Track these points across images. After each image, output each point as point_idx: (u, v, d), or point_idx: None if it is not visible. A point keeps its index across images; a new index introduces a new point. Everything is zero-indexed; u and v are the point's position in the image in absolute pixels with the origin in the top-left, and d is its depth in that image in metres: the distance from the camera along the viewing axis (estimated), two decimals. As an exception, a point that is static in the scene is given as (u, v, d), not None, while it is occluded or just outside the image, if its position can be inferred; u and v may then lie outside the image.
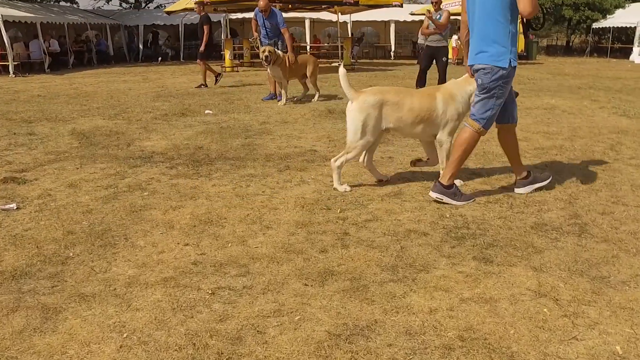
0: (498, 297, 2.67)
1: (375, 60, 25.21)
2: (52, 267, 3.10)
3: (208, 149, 5.98)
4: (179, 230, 3.62)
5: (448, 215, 3.83)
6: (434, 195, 4.08)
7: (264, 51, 9.25)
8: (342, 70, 4.40)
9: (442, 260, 3.10)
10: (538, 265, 3.03)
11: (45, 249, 3.35)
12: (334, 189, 4.44)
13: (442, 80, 10.37)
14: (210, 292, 2.76)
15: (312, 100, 9.94)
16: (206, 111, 8.65)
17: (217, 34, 29.00)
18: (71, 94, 12.04)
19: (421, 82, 10.55)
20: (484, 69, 3.95)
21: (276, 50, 9.38)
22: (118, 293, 2.77)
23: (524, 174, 4.34)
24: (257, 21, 10.00)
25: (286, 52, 9.65)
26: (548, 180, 4.39)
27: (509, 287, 2.77)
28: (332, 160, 4.48)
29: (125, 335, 2.39)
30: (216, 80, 13.00)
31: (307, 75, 9.89)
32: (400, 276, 2.90)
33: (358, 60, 21.28)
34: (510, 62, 3.89)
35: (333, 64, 20.86)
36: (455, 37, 21.51)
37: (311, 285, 2.81)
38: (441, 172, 4.29)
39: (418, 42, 22.50)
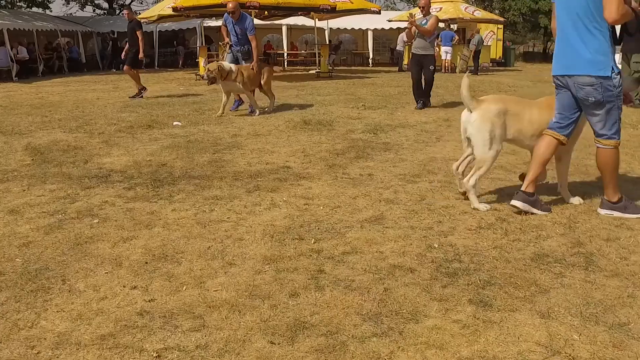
0: (503, 356, 2.22)
1: (353, 68, 24.85)
2: None
3: (172, 167, 5.48)
4: (127, 268, 3.12)
5: (436, 246, 3.38)
6: (602, 212, 3.90)
7: (207, 69, 8.69)
8: (465, 80, 3.97)
9: (434, 304, 2.64)
10: (545, 309, 2.59)
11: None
12: (473, 208, 4.03)
13: (427, 90, 9.78)
14: (155, 354, 2.26)
15: (267, 109, 9.32)
16: (174, 123, 8.14)
17: (192, 40, 28.46)
18: (35, 104, 11.42)
19: (418, 93, 9.75)
20: (591, 85, 3.70)
21: (224, 65, 8.73)
22: (42, 357, 2.26)
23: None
24: (226, 27, 9.47)
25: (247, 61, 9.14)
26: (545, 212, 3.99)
27: (514, 342, 2.32)
28: (465, 180, 4.12)
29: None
30: (138, 94, 12.25)
31: (261, 83, 9.30)
32: (385, 328, 2.43)
33: (335, 68, 20.87)
34: (612, 69, 3.66)
35: (310, 72, 20.45)
36: (445, 48, 21.05)
37: (278, 344, 2.33)
38: (559, 188, 4.26)
39: (396, 48, 22.37)
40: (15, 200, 4.47)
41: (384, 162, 5.60)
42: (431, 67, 9.57)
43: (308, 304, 2.67)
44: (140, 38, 12.05)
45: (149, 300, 2.73)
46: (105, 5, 39.78)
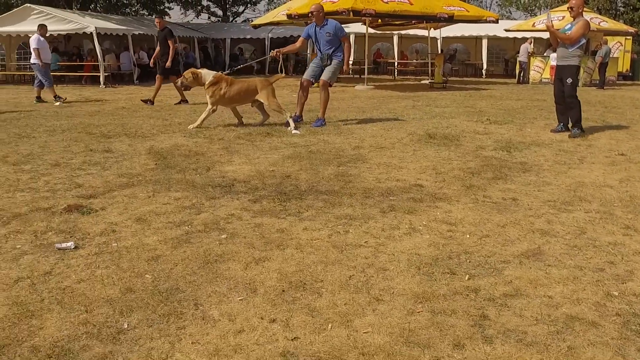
0: None
1: (465, 78, 23.99)
2: (100, 344, 2.38)
3: (297, 179, 5.21)
4: (262, 296, 2.83)
5: (616, 294, 2.86)
6: None
7: (183, 75, 8.49)
8: None
9: (635, 375, 2.15)
10: None
11: (95, 314, 2.64)
12: None
13: (570, 111, 8.02)
14: (306, 412, 1.93)
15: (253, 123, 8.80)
16: (293, 131, 7.92)
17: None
18: (155, 107, 11.71)
19: (559, 111, 8.27)
20: None
21: (200, 73, 8.39)
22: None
23: None
24: (306, 39, 8.87)
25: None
26: None
27: None
28: None
29: None
30: (148, 101, 12.24)
31: (256, 98, 8.54)
32: (582, 404, 1.97)
33: (449, 79, 20.17)
34: None
35: (422, 82, 19.91)
36: (548, 52, 19.95)
37: (452, 412, 1.93)
38: None
39: (519, 59, 21.29)
40: (141, 207, 4.35)
41: (526, 184, 5.05)
42: (569, 80, 7.93)
43: (477, 359, 2.25)
44: (171, 47, 12.05)
45: (292, 339, 2.41)
46: (220, 12, 41.04)
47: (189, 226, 3.90)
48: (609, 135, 7.88)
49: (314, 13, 8.67)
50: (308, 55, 23.85)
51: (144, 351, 2.32)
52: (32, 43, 13.10)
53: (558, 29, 8.28)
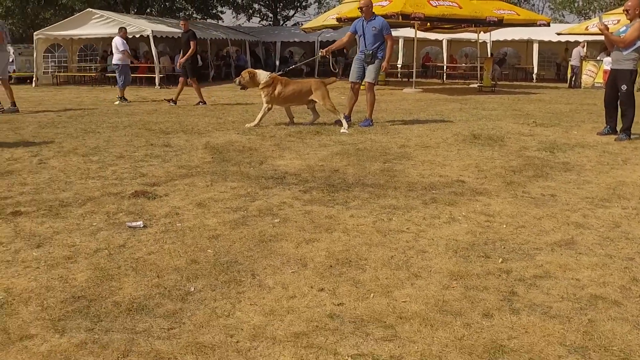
0: None
1: (515, 83, 23.83)
2: (171, 302, 2.74)
3: (344, 173, 5.52)
4: (312, 270, 3.15)
5: (642, 278, 3.06)
6: None
7: (240, 75, 8.90)
8: None
9: (649, 344, 2.37)
10: None
11: (166, 279, 3.01)
12: None
13: (624, 116, 7.81)
14: (350, 359, 2.23)
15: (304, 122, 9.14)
16: (342, 130, 8.24)
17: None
18: (208, 107, 12.21)
19: (608, 114, 8.21)
20: None
21: (256, 73, 8.85)
22: (240, 348, 2.33)
23: None
24: (353, 34, 9.27)
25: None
26: None
27: None
28: None
29: (247, 413, 1.92)
30: (171, 100, 12.70)
31: (310, 99, 8.88)
32: (596, 363, 2.22)
33: (498, 82, 20.11)
34: None
35: (471, 85, 19.94)
36: (608, 58, 19.72)
37: (478, 365, 2.20)
38: None
39: (571, 63, 21.06)
40: (201, 194, 4.74)
41: (566, 183, 5.22)
42: (623, 87, 7.79)
43: (504, 326, 2.51)
44: (192, 48, 12.42)
45: (338, 304, 2.72)
46: (271, 16, 41.79)
47: (245, 211, 4.26)
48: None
49: (364, 8, 9.07)
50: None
51: (209, 309, 2.67)
52: (120, 45, 13.89)
53: (613, 32, 8.29)
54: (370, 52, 8.92)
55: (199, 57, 20.20)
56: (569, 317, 2.61)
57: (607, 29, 8.07)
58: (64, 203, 4.51)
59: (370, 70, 9.01)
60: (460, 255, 3.36)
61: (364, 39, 9.03)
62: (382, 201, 4.52)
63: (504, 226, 3.93)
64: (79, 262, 3.27)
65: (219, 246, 3.51)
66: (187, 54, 12.57)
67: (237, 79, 9.06)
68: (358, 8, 9.33)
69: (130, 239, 3.66)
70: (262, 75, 8.84)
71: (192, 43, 12.54)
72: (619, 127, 7.97)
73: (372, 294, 2.83)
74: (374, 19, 9.03)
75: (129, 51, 14.18)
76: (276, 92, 8.70)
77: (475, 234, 3.76)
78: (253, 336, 2.42)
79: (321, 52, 9.77)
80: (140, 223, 3.96)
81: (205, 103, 12.74)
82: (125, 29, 14.99)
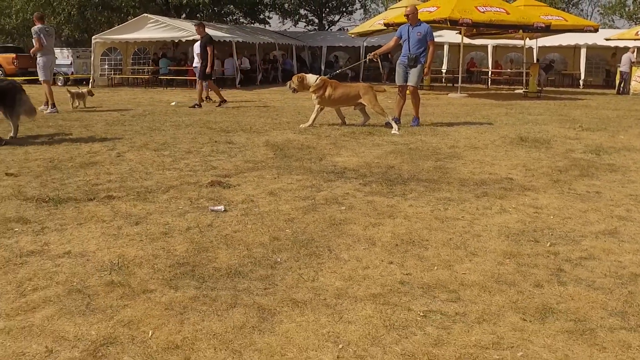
0: None
1: (561, 89, 23.80)
2: (262, 269, 3.21)
3: (400, 169, 5.94)
4: (381, 247, 3.58)
5: (679, 262, 3.39)
6: None
7: (291, 80, 9.53)
8: None
9: (682, 312, 2.73)
10: None
11: (254, 252, 3.49)
12: None
13: None
14: (421, 314, 2.67)
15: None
16: (392, 131, 8.65)
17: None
18: (262, 109, 12.77)
19: None
20: None
21: (306, 77, 9.43)
22: (328, 303, 2.78)
23: None
24: (399, 38, 9.81)
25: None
26: None
27: None
28: None
29: (340, 346, 2.37)
30: (220, 103, 13.24)
31: (359, 102, 9.37)
32: (634, 325, 2.59)
33: (543, 89, 20.17)
34: None
35: (516, 91, 20.07)
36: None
37: (530, 321, 2.60)
38: None
39: (621, 69, 20.97)
40: (270, 185, 5.22)
41: (611, 182, 5.53)
42: None
43: (552, 294, 2.90)
44: (209, 53, 12.86)
45: (406, 274, 3.15)
46: (316, 21, 42.43)
47: (313, 200, 4.72)
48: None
49: (410, 15, 9.74)
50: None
51: (296, 275, 3.13)
52: (196, 48, 14.77)
53: None
54: (414, 56, 9.47)
55: (216, 62, 20.91)
56: (611, 289, 2.98)
57: None
58: (149, 190, 5.05)
59: (413, 73, 9.58)
60: (511, 240, 3.75)
61: (409, 44, 9.61)
62: (437, 194, 4.93)
63: (552, 217, 4.29)
64: (175, 237, 3.77)
65: (295, 227, 3.97)
66: (209, 61, 13.03)
67: (289, 83, 9.67)
68: (404, 15, 9.86)
69: (216, 220, 4.16)
70: (311, 79, 9.38)
71: (208, 48, 13.05)
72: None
73: (435, 267, 3.25)
74: (420, 24, 9.62)
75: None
76: (326, 94, 9.21)
77: (525, 222, 4.14)
78: (337, 295, 2.87)
79: (369, 55, 10.28)
80: (221, 207, 4.46)
81: (200, 106, 13.21)
82: (203, 23, 15.90)
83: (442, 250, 3.52)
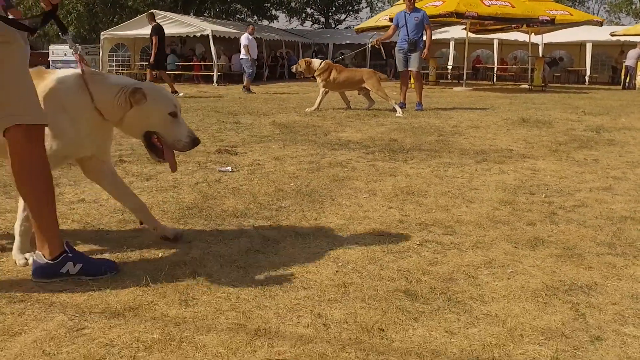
0: None
1: (567, 85, 23.87)
2: (267, 211, 3.36)
3: (402, 142, 6.08)
4: (381, 196, 3.73)
5: (670, 210, 3.52)
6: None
7: (297, 64, 9.75)
8: None
9: (668, 244, 2.86)
10: None
11: (260, 199, 3.63)
12: None
13: None
14: (418, 243, 2.81)
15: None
16: (397, 114, 8.79)
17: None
18: (268, 99, 12.93)
19: None
20: None
21: (312, 62, 9.65)
22: (330, 235, 2.93)
23: None
24: (396, 26, 10.03)
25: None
26: None
27: None
28: None
29: (340, 264, 2.52)
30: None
31: (363, 86, 9.58)
32: (620, 252, 2.72)
33: (548, 84, 20.23)
34: None
35: (521, 86, 20.16)
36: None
37: (521, 248, 2.74)
38: None
39: (626, 63, 21.02)
40: (276, 152, 5.38)
41: (609, 152, 5.65)
42: None
43: (544, 230, 3.04)
44: (154, 43, 12.92)
45: (405, 215, 3.29)
46: (323, 19, 42.65)
47: (317, 164, 4.86)
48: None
49: (407, 1, 9.89)
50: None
51: (299, 215, 3.28)
52: (243, 40, 15.10)
53: None
54: (414, 40, 9.72)
55: (166, 50, 20.97)
56: (600, 226, 3.12)
57: None
58: (159, 156, 5.20)
59: (414, 58, 9.80)
60: (508, 192, 3.88)
61: (407, 29, 9.83)
62: (437, 160, 5.07)
63: (548, 177, 4.42)
64: (185, 189, 3.93)
65: (299, 182, 4.12)
66: (153, 51, 13.05)
67: (295, 67, 9.86)
68: (404, 0, 10.07)
69: (224, 177, 4.31)
70: (316, 62, 9.58)
71: (153, 38, 13.08)
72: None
73: (433, 210, 3.40)
74: (416, 10, 9.85)
75: (249, 46, 15.06)
76: (331, 77, 9.40)
77: (522, 180, 4.27)
78: (339, 229, 3.02)
79: (372, 41, 10.51)
80: (229, 168, 4.61)
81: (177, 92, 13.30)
82: (253, 26, 16.22)
83: (441, 199, 3.66)
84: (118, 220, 3.18)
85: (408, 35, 9.76)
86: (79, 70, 2.56)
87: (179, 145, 2.62)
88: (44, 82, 2.50)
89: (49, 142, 2.41)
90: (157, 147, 2.63)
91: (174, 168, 2.71)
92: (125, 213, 3.30)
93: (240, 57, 15.49)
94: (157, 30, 13.38)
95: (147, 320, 1.99)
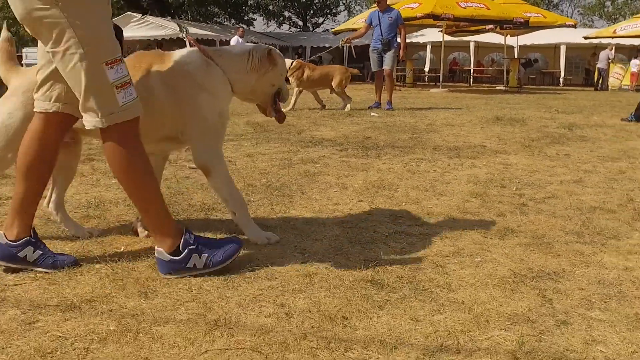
0: None
1: (542, 87, 24.13)
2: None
3: (376, 139, 6.06)
4: (352, 190, 3.69)
5: (638, 200, 3.53)
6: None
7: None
8: None
9: (635, 233, 2.85)
10: None
11: (229, 195, 3.57)
12: None
13: None
14: (387, 234, 2.77)
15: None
16: (372, 114, 8.79)
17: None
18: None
19: None
20: None
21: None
22: (297, 227, 2.87)
23: None
24: (370, 25, 10.02)
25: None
26: None
27: None
28: None
29: (306, 255, 2.47)
30: None
31: (332, 85, 9.55)
32: (588, 240, 2.71)
33: (523, 86, 20.41)
34: None
35: (497, 88, 20.33)
36: (635, 61, 20.03)
37: (490, 238, 2.72)
38: None
39: (598, 66, 21.33)
40: (248, 150, 5.32)
41: (581, 148, 5.68)
42: None
43: (514, 221, 3.02)
44: None
45: (374, 208, 3.26)
46: (300, 23, 42.66)
47: (289, 161, 4.81)
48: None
49: (380, 1, 9.87)
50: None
51: (268, 209, 3.23)
52: (232, 43, 15.17)
53: None
54: (387, 40, 9.71)
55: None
56: (570, 216, 3.11)
57: None
58: (129, 155, 5.11)
59: (388, 57, 9.81)
60: (480, 185, 3.87)
61: (380, 29, 9.78)
62: (410, 156, 5.05)
63: (520, 171, 4.43)
64: (153, 186, 3.85)
65: (270, 178, 4.07)
66: None
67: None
68: (376, 1, 10.06)
69: (193, 173, 4.24)
70: (288, 62, 9.53)
71: None
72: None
73: (403, 203, 3.37)
74: (389, 10, 9.84)
75: None
76: (304, 76, 9.37)
77: (494, 174, 4.26)
78: (307, 222, 2.97)
79: (342, 41, 10.48)
80: (199, 165, 4.54)
81: None
82: (243, 28, 16.26)
83: (412, 192, 3.63)
84: (81, 216, 3.09)
85: (382, 35, 9.75)
86: (194, 49, 2.52)
87: (287, 96, 2.82)
88: (167, 64, 2.45)
89: (200, 126, 2.43)
90: (277, 103, 2.75)
91: (284, 118, 2.88)
92: (90, 209, 3.22)
93: None
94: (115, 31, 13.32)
95: (104, 312, 1.93)
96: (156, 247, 2.24)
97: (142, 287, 2.13)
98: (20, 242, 2.25)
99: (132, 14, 23.09)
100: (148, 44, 26.23)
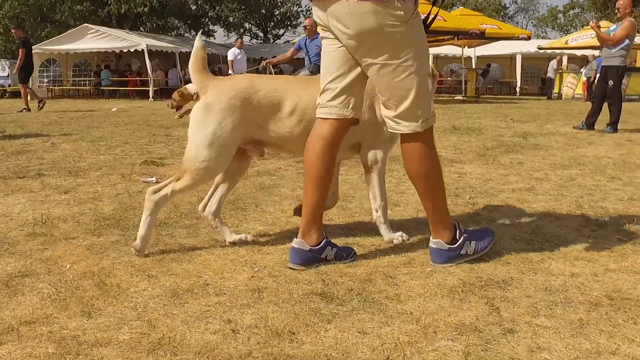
0: (649, 270, 2.45)
1: (499, 96, 24.61)
2: (187, 220, 3.26)
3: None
4: (306, 202, 3.67)
5: (586, 206, 3.60)
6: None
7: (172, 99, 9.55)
8: None
9: (583, 238, 2.91)
10: (694, 250, 2.75)
11: (181, 208, 3.52)
12: None
13: (608, 108, 8.37)
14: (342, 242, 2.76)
15: None
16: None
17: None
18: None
19: (592, 110, 8.64)
20: None
21: (187, 88, 9.48)
22: (250, 246, 2.84)
23: None
24: (297, 50, 9.98)
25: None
26: None
27: (661, 264, 2.53)
28: None
29: (256, 269, 2.44)
30: (40, 106, 13.19)
31: None
32: (537, 247, 2.75)
33: (481, 96, 20.81)
34: None
35: (455, 98, 20.66)
36: (583, 70, 20.60)
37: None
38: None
39: (547, 75, 21.88)
40: (205, 163, 5.25)
41: (534, 156, 5.79)
42: (610, 82, 8.39)
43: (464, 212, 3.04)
44: (20, 56, 13.01)
45: (328, 220, 3.25)
46: (261, 34, 42.68)
47: (245, 174, 4.77)
48: (627, 135, 8.52)
49: (307, 27, 9.77)
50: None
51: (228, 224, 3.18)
52: (229, 56, 15.12)
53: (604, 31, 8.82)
54: (318, 65, 9.66)
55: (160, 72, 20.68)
56: (519, 225, 3.15)
57: (599, 27, 8.68)
58: (82, 169, 5.01)
59: None
60: (433, 194, 3.89)
61: (308, 56, 9.74)
62: (361, 168, 5.06)
63: (474, 180, 4.48)
64: (104, 201, 3.77)
65: (224, 191, 4.02)
66: (18, 63, 13.14)
67: (169, 102, 9.67)
68: (303, 26, 10.02)
69: (146, 187, 4.15)
70: (191, 87, 9.47)
71: (21, 51, 13.08)
72: (597, 125, 8.48)
73: (357, 214, 3.37)
74: (317, 37, 9.80)
75: (234, 62, 15.04)
76: None
77: (448, 184, 4.27)
78: (259, 235, 2.94)
79: (264, 62, 10.44)
80: (153, 178, 4.47)
81: (29, 110, 13.09)
82: (241, 39, 16.15)
83: (366, 203, 3.62)
84: (27, 234, 3.00)
85: (310, 62, 9.71)
86: None
87: None
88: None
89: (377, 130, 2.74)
90: None
91: None
92: (37, 226, 3.13)
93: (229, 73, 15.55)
94: (25, 43, 13.32)
95: (43, 334, 1.86)
96: (432, 239, 2.50)
97: (86, 307, 2.07)
98: (321, 245, 2.47)
99: (89, 25, 22.73)
100: (106, 56, 25.91)
